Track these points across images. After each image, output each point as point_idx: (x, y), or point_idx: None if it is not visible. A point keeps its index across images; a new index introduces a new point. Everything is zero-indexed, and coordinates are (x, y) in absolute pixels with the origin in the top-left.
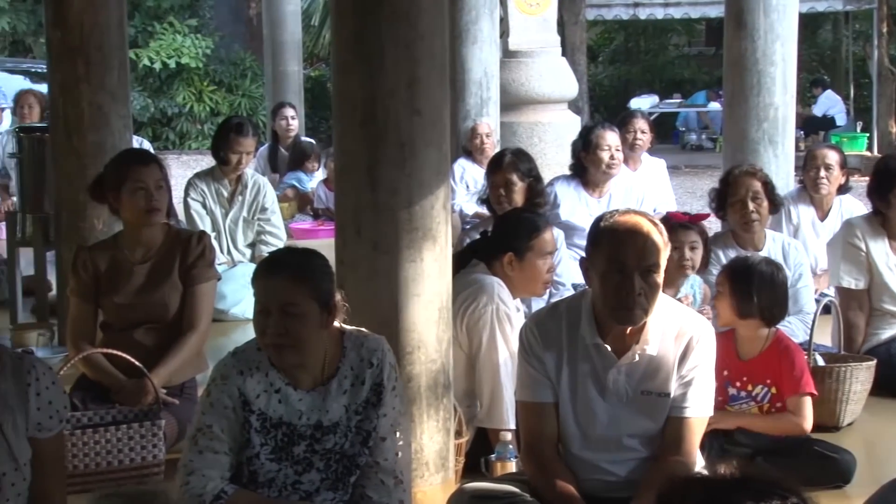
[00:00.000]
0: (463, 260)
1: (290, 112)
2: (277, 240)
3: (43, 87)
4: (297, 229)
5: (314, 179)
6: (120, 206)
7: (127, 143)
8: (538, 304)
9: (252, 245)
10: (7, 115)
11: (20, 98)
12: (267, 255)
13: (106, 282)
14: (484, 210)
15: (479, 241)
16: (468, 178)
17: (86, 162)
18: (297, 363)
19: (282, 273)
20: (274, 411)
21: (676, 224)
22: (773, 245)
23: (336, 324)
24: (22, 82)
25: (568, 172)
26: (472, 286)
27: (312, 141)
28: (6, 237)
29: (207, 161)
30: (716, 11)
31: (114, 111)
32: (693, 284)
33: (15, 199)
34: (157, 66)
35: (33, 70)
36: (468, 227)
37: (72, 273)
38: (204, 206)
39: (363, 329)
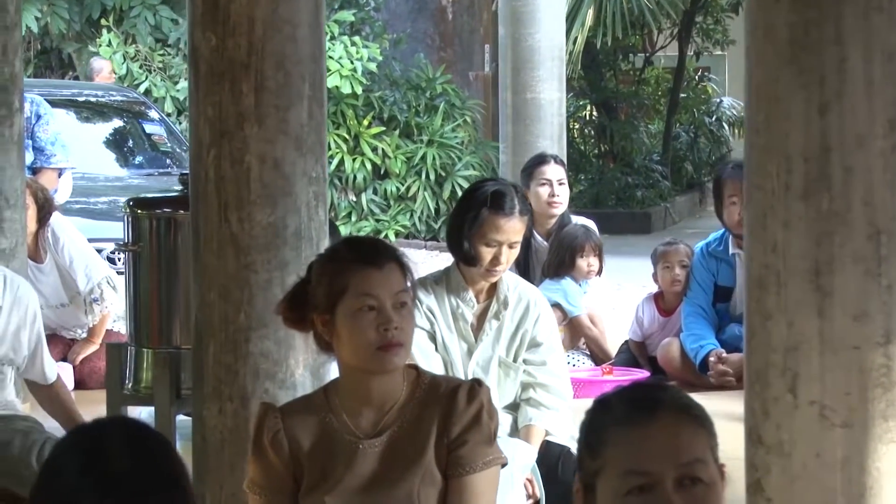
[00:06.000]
0: None
1: (556, 172)
2: (559, 399)
3: (86, 131)
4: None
5: (590, 290)
6: (334, 338)
7: (319, 227)
8: None
9: (514, 407)
10: (68, 180)
11: None
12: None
13: (312, 469)
14: None
15: None
16: None
17: (252, 259)
18: None
19: None
20: None
21: None
22: None
23: None
24: (65, 120)
25: None
26: None
27: (589, 223)
28: (106, 386)
29: None
30: None
31: (300, 170)
32: None
33: (117, 318)
34: None
35: (81, 100)
36: None
37: (253, 452)
38: (432, 336)
39: None
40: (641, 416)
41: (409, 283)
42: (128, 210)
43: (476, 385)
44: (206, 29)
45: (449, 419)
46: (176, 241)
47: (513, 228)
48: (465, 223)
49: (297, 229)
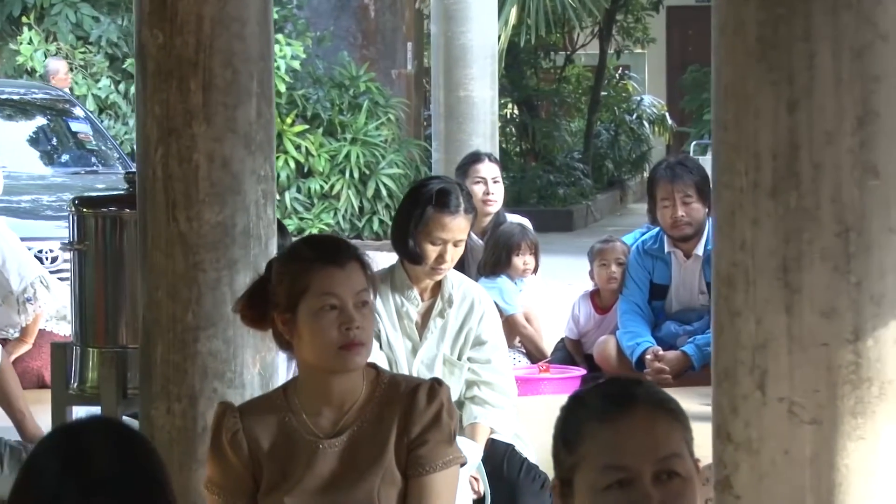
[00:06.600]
0: None
1: (490, 170)
2: (503, 396)
3: (8, 128)
4: None
5: (525, 288)
6: (294, 337)
7: (268, 225)
8: None
9: (458, 405)
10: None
11: None
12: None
13: (271, 469)
14: None
15: None
16: None
17: (200, 258)
18: None
19: None
20: None
21: None
22: None
23: None
24: None
25: None
26: None
27: (524, 222)
28: (51, 386)
29: None
30: None
31: (249, 169)
32: None
33: (49, 317)
34: None
35: (3, 97)
36: None
37: (211, 452)
38: (377, 334)
39: None
40: (618, 411)
41: (369, 283)
42: (73, 208)
43: (436, 384)
44: (154, 26)
45: (409, 419)
46: (122, 240)
47: (458, 226)
48: (411, 221)
49: (246, 228)
